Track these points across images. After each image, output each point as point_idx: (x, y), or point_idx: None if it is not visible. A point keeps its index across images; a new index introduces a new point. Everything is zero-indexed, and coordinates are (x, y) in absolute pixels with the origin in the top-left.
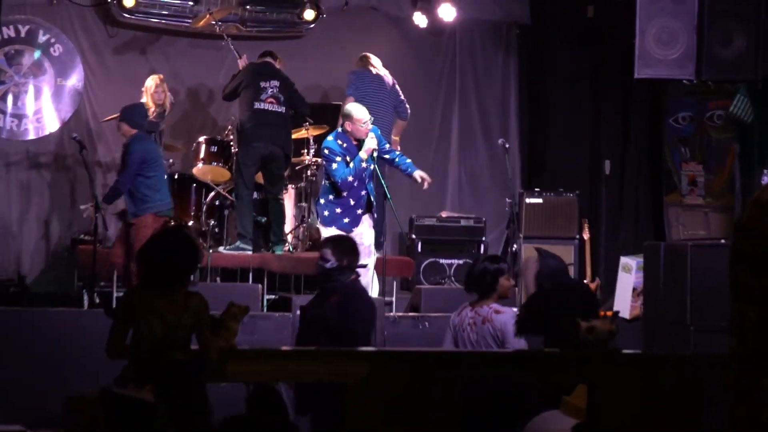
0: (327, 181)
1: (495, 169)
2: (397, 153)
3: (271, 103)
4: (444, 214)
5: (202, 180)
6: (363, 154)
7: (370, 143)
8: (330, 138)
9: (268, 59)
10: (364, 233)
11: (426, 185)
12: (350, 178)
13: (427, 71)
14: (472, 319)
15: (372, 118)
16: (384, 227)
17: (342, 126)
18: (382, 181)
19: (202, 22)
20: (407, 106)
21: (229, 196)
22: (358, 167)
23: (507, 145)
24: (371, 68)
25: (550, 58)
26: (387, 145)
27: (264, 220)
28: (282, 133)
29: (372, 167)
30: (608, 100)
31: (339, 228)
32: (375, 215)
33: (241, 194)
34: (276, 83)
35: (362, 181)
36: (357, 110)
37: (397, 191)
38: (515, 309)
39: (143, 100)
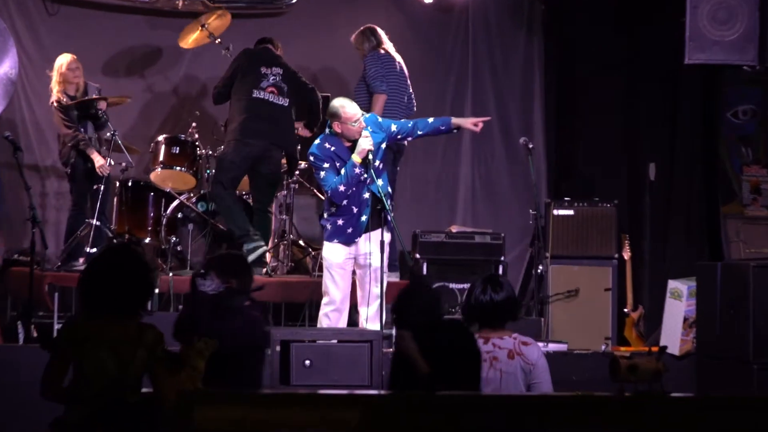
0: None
1: (516, 173)
2: (410, 122)
3: (272, 93)
4: (454, 229)
5: (162, 188)
6: (356, 157)
7: (365, 143)
8: (317, 141)
9: (268, 46)
10: (370, 251)
11: (480, 125)
12: (341, 188)
13: (432, 56)
14: (489, 354)
15: (363, 114)
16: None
17: (330, 127)
18: (378, 190)
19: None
20: (414, 101)
21: (195, 208)
22: (350, 174)
23: (530, 145)
24: (384, 49)
25: (582, 39)
26: (393, 126)
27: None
28: (282, 130)
29: (373, 171)
30: (652, 91)
31: (342, 242)
32: (389, 224)
33: (219, 194)
34: (279, 71)
35: (363, 183)
36: (345, 107)
37: (398, 201)
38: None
39: (52, 85)
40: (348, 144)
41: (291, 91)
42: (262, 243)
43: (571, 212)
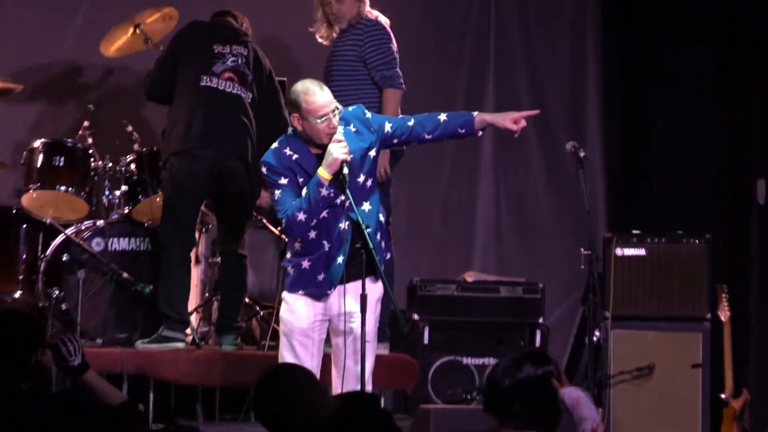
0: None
1: (560, 195)
2: (410, 119)
3: (229, 80)
4: (470, 277)
5: (39, 217)
6: (323, 172)
7: (336, 150)
8: (274, 145)
9: (228, 18)
10: (350, 310)
11: (523, 125)
12: (300, 216)
13: (436, 24)
14: None
15: (339, 108)
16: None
17: (291, 125)
18: (360, 218)
19: None
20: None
21: (88, 247)
22: (313, 196)
23: (582, 154)
24: (371, 13)
25: (658, 6)
26: (388, 124)
27: (148, 290)
28: (245, 134)
29: (350, 192)
30: (757, 81)
31: (309, 295)
32: (377, 270)
33: (169, 241)
34: (241, 51)
35: (340, 208)
36: (310, 92)
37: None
38: None
39: None
40: (317, 151)
41: (258, 84)
42: (183, 340)
43: (641, 252)
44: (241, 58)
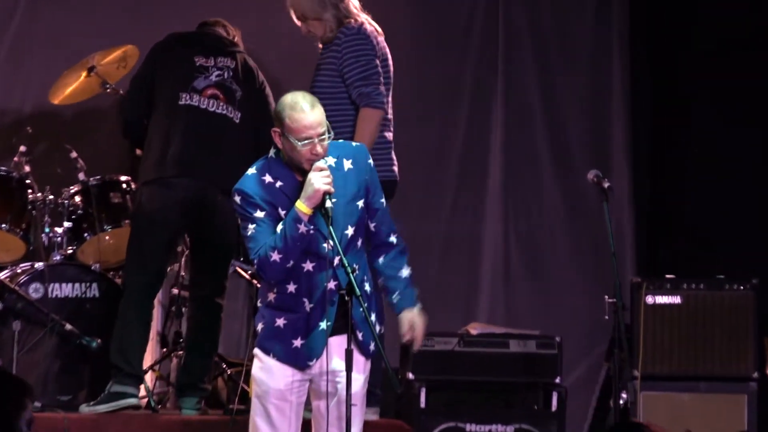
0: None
1: (580, 233)
2: (392, 236)
3: (213, 97)
4: (474, 330)
5: None
6: (302, 206)
7: (317, 180)
8: (251, 171)
9: (215, 28)
10: (334, 368)
11: (408, 339)
12: (275, 256)
13: (436, 25)
14: None
15: (329, 134)
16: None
17: (274, 145)
18: (347, 265)
19: None
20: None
21: (24, 294)
22: (291, 233)
23: (606, 184)
24: (358, 18)
25: (696, 12)
26: (380, 202)
27: (96, 344)
28: (229, 160)
29: (336, 236)
30: None
31: (284, 360)
32: (361, 332)
33: (132, 283)
34: (228, 63)
35: (326, 262)
36: (297, 108)
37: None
38: None
39: None
40: (301, 178)
41: (246, 101)
42: (135, 395)
43: (676, 299)
44: (227, 71)
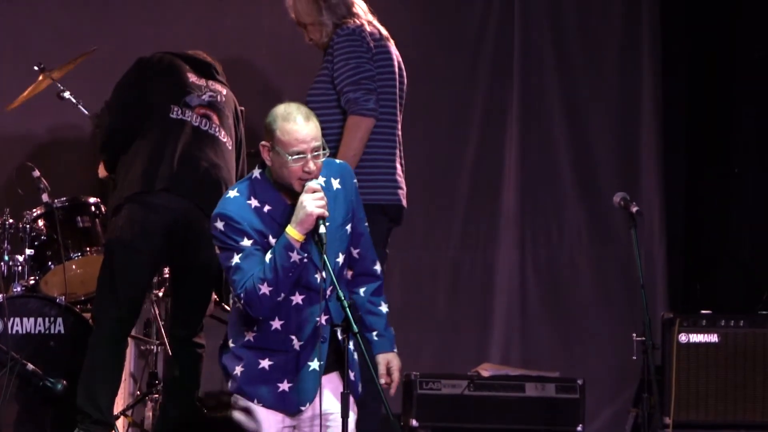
0: (234, 299)
1: (605, 263)
2: (376, 265)
3: (205, 117)
4: (486, 371)
5: None
6: (294, 230)
7: (310, 203)
8: (232, 194)
9: (207, 58)
10: (327, 409)
11: (385, 382)
12: (264, 289)
13: (447, 28)
14: None
15: (326, 150)
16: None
17: (262, 164)
18: (342, 297)
19: None
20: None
21: None
22: (282, 262)
23: (635, 209)
24: (363, 19)
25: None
26: (363, 226)
27: (61, 386)
28: (223, 184)
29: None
30: None
31: (271, 405)
32: (353, 371)
33: (102, 317)
34: (220, 89)
35: (316, 295)
36: (291, 119)
37: None
38: None
39: None
40: (290, 202)
41: (236, 130)
42: None
43: (713, 338)
44: (219, 95)
